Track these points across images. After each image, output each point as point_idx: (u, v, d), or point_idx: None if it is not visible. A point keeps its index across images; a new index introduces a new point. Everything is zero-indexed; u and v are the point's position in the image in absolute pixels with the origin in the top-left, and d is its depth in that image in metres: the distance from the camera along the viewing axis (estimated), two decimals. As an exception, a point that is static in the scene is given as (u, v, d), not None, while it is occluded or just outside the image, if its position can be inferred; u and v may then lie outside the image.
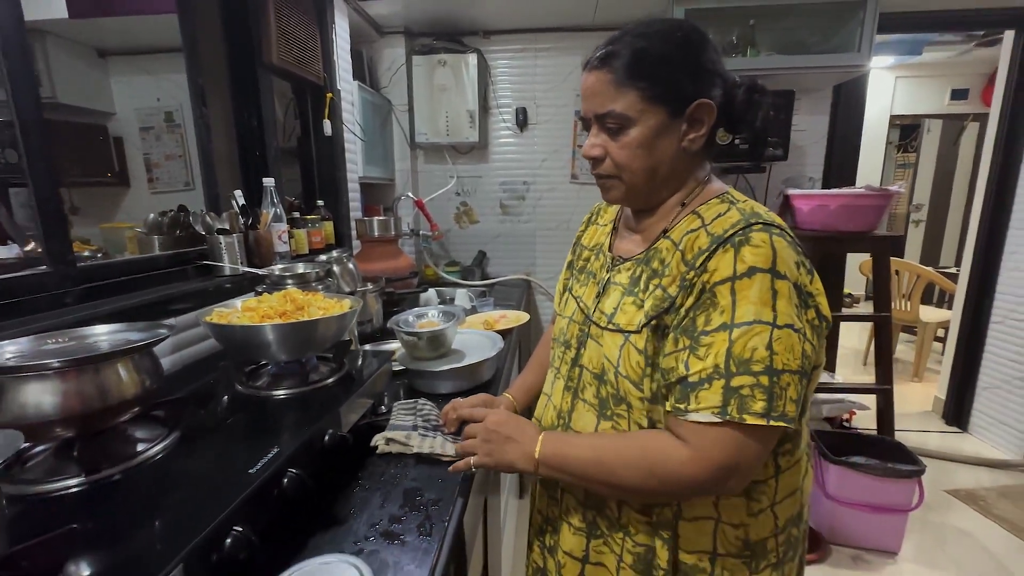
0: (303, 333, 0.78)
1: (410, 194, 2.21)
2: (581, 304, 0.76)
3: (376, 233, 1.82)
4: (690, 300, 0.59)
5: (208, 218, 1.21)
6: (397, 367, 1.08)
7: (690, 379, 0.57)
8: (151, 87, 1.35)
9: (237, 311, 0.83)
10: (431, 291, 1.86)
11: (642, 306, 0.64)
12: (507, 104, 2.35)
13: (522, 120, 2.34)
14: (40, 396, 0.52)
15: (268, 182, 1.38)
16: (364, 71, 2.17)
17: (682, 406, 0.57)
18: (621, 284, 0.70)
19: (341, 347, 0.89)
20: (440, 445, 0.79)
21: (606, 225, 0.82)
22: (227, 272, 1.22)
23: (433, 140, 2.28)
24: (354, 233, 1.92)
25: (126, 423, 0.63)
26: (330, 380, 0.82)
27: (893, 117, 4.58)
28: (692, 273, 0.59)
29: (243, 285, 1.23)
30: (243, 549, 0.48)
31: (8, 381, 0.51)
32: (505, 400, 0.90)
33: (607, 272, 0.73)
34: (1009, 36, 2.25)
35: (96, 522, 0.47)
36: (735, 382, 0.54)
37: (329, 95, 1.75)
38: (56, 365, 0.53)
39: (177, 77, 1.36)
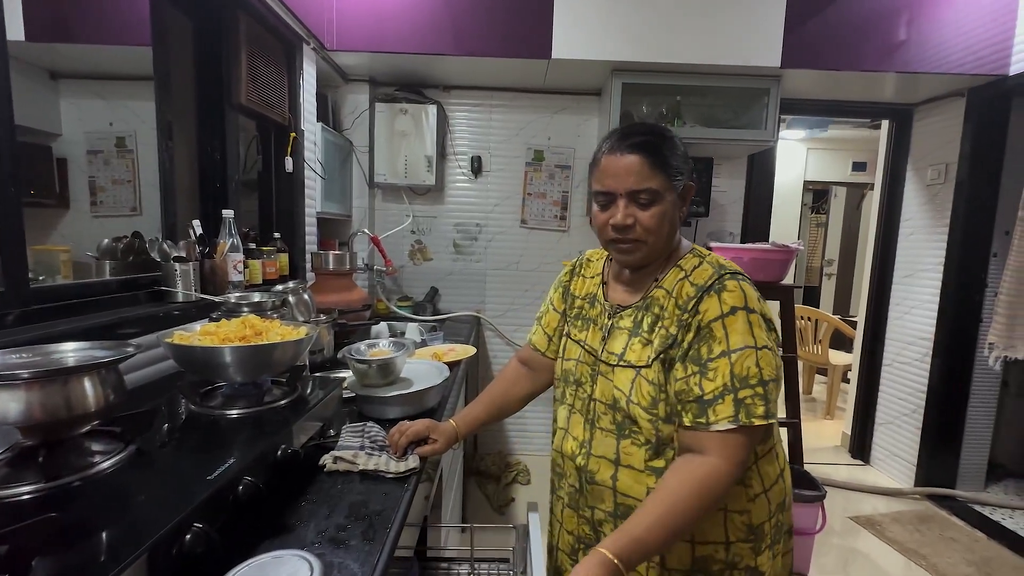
0: (261, 356, 0.84)
1: (366, 230, 2.30)
2: (586, 347, 0.89)
3: (331, 266, 1.88)
4: (690, 335, 0.75)
5: (165, 246, 1.25)
6: (347, 394, 1.13)
7: (705, 398, 0.72)
8: (104, 111, 1.36)
9: (196, 334, 0.88)
10: (383, 324, 1.92)
11: (649, 343, 0.80)
12: (464, 152, 2.52)
13: (477, 167, 2.51)
14: (8, 404, 0.57)
15: (227, 214, 1.43)
16: (328, 113, 2.28)
17: (702, 420, 0.72)
18: (626, 328, 0.84)
19: (295, 372, 0.95)
20: (385, 463, 0.86)
21: (594, 277, 0.96)
22: (180, 299, 1.25)
23: (391, 181, 2.39)
24: (309, 265, 1.97)
25: (82, 436, 0.67)
26: (283, 402, 0.88)
27: (807, 182, 5.18)
28: (687, 315, 0.76)
29: (193, 312, 1.25)
30: (202, 544, 0.53)
31: (-17, 390, 0.55)
32: (448, 426, 0.98)
33: (609, 319, 0.88)
34: (886, 124, 2.71)
35: (64, 520, 0.51)
36: (740, 395, 0.71)
37: (293, 135, 1.84)
38: (27, 376, 0.57)
39: (133, 104, 1.40)
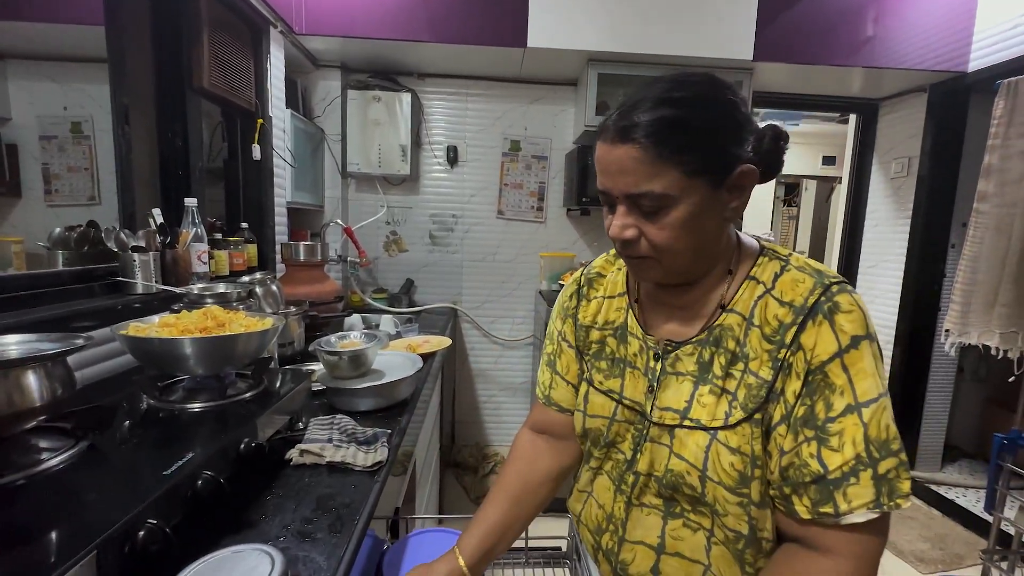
0: (223, 348, 0.82)
1: (339, 221, 2.25)
2: (625, 401, 0.66)
3: (302, 257, 1.83)
4: (794, 384, 0.54)
5: (123, 235, 1.20)
6: (317, 386, 1.11)
7: (830, 476, 0.51)
8: (57, 95, 1.30)
9: (155, 326, 0.84)
10: (356, 316, 1.89)
11: (722, 394, 0.58)
12: (439, 141, 2.49)
13: (453, 157, 2.48)
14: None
15: (190, 202, 1.38)
16: (298, 100, 2.21)
17: (829, 510, 0.51)
18: (689, 373, 0.61)
19: (261, 364, 0.93)
20: (352, 455, 0.84)
21: (614, 297, 0.71)
22: (140, 290, 1.20)
23: (365, 170, 2.34)
24: (279, 257, 1.92)
25: (28, 433, 0.64)
26: (248, 395, 0.85)
27: (779, 176, 5.32)
28: (784, 351, 0.54)
29: (154, 304, 1.21)
30: (156, 541, 0.51)
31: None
32: (442, 570, 0.70)
33: (657, 361, 0.64)
34: (853, 118, 2.78)
35: (4, 519, 0.49)
36: (881, 468, 0.50)
37: (260, 121, 1.78)
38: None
39: (88, 88, 1.34)
